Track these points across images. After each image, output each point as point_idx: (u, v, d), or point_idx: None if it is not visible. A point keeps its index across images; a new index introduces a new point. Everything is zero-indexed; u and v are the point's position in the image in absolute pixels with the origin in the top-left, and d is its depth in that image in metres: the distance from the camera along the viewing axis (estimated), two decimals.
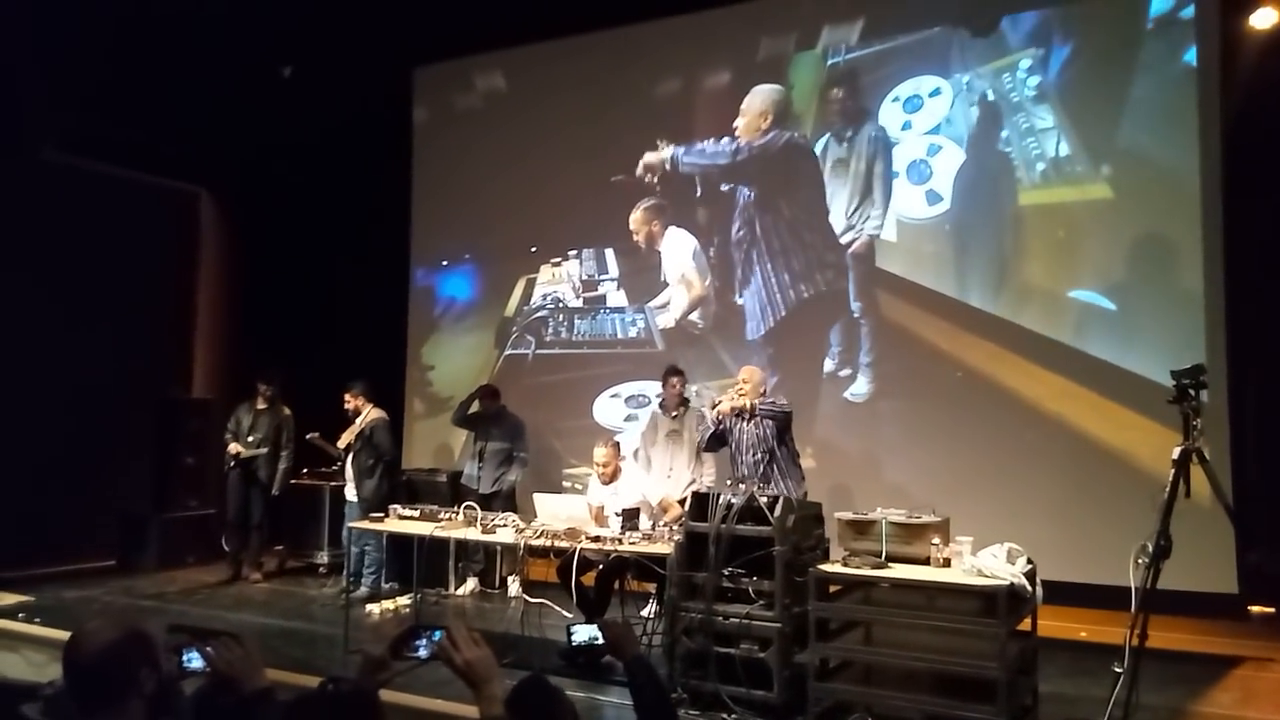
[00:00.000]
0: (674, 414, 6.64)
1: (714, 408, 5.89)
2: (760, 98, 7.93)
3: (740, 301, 7.96)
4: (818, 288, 7.63)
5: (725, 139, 7.99)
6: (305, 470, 8.29)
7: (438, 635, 2.03)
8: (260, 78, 8.83)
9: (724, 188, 8.06)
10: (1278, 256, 7.66)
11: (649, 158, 8.36)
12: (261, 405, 7.87)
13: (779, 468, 5.76)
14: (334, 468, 7.86)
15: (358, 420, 7.27)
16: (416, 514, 5.78)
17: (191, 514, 8.61)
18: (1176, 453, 3.85)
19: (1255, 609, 5.96)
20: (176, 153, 9.09)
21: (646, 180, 8.38)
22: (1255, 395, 7.47)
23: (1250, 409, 7.34)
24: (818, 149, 7.69)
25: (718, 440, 5.98)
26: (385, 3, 8.05)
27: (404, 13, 8.20)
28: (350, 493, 7.30)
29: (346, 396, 7.31)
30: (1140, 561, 3.77)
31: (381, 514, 6.03)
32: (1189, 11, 6.53)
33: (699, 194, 8.16)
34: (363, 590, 6.94)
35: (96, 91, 8.01)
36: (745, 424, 5.83)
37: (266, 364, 8.14)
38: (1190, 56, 6.49)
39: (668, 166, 8.28)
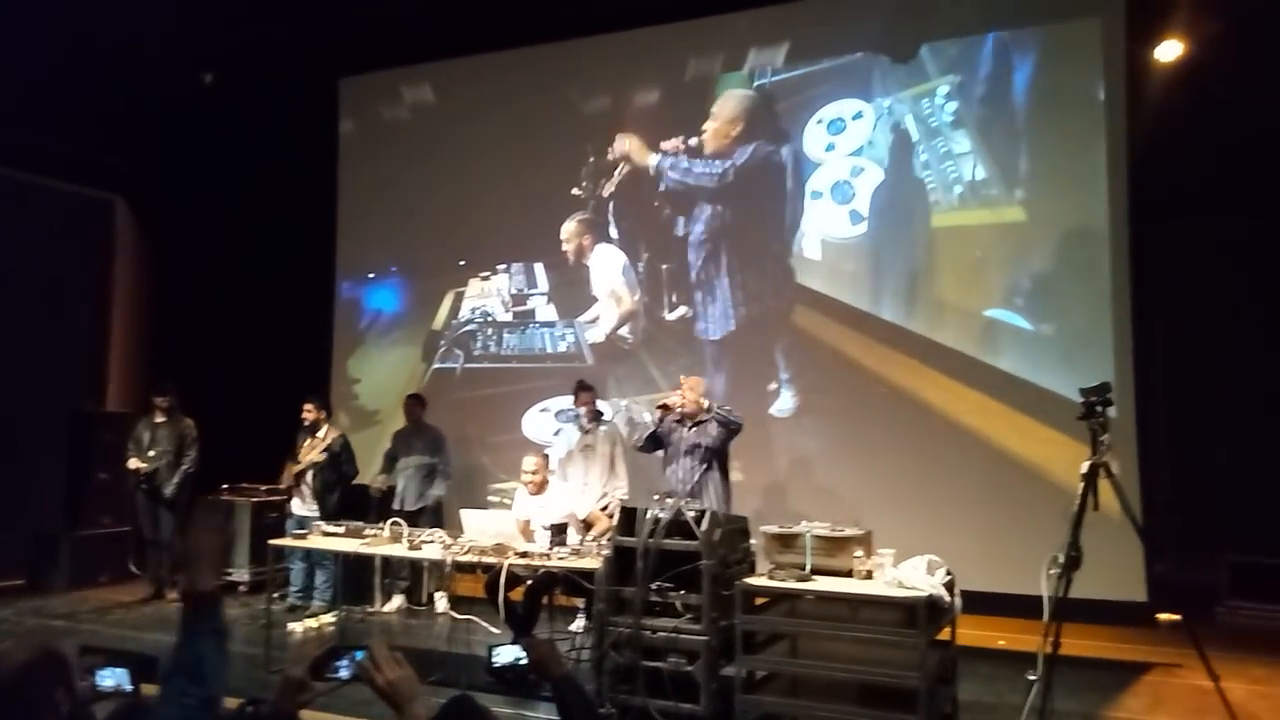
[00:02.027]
0: (587, 429, 6.64)
1: (661, 406, 5.83)
2: (733, 103, 7.88)
3: (690, 307, 7.96)
4: (766, 302, 7.67)
5: (715, 160, 7.86)
6: (225, 486, 8.10)
7: (359, 655, 2.00)
8: (181, 84, 8.64)
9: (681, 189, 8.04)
10: (1181, 277, 8.04)
11: (630, 148, 8.21)
12: (160, 419, 7.65)
13: (714, 479, 5.71)
14: (283, 486, 7.60)
15: (319, 435, 7.18)
16: (341, 530, 5.69)
17: (105, 531, 8.32)
18: (1085, 467, 4.00)
19: (1163, 617, 6.20)
20: (91, 160, 8.83)
21: (619, 169, 8.26)
22: (1163, 411, 7.81)
23: (1158, 424, 7.66)
24: (770, 167, 7.71)
25: (654, 441, 5.90)
26: (310, 12, 7.95)
27: (329, 23, 8.11)
28: (303, 508, 7.14)
29: (308, 408, 7.21)
30: (1051, 573, 3.90)
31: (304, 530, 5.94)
32: (1097, 43, 6.81)
33: (655, 203, 8.12)
34: (318, 605, 6.88)
35: (8, 96, 7.75)
36: (686, 430, 5.78)
37: (167, 376, 7.94)
38: (1098, 86, 6.77)
39: (651, 173, 8.13)
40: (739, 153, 7.82)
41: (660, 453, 6.00)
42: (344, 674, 2.06)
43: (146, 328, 9.55)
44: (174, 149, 8.83)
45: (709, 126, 7.92)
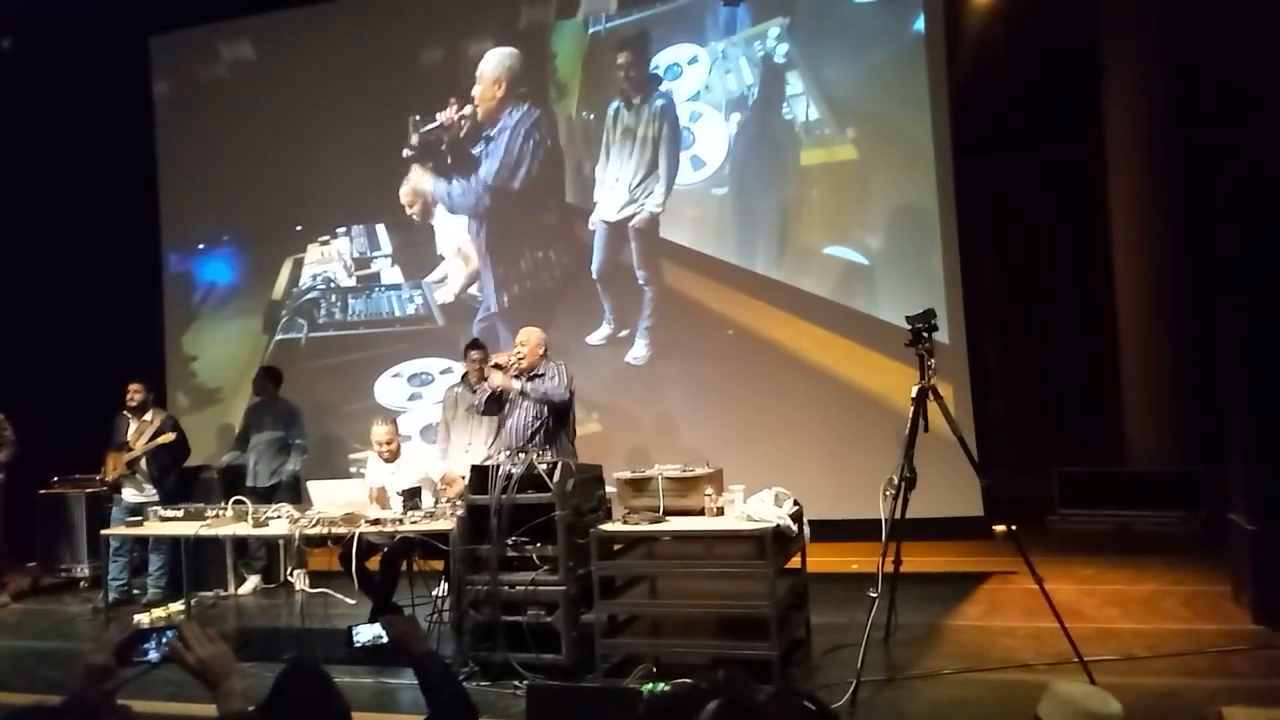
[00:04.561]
0: (475, 389, 6.42)
1: (493, 373, 5.53)
2: (494, 63, 7.94)
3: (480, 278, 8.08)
4: (564, 259, 7.81)
5: (479, 141, 8.01)
6: (56, 479, 7.59)
7: (169, 636, 1.91)
8: None
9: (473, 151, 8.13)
10: (1004, 209, 8.46)
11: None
12: None
13: (552, 440, 5.38)
14: (111, 477, 7.11)
15: (147, 417, 6.81)
16: (180, 514, 5.43)
17: None
18: (914, 391, 4.16)
19: (998, 528, 6.56)
20: None
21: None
22: (995, 335, 8.25)
23: (990, 348, 8.09)
24: (607, 116, 7.67)
25: (496, 403, 5.57)
26: None
27: None
28: (139, 495, 6.74)
29: (134, 388, 6.80)
30: (887, 494, 4.06)
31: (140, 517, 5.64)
32: None
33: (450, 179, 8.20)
34: (154, 593, 6.62)
35: None
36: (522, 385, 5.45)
37: None
38: (919, 24, 6.97)
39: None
40: (500, 118, 7.93)
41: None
42: (153, 656, 1.95)
43: None
44: None
45: (476, 90, 7.99)
